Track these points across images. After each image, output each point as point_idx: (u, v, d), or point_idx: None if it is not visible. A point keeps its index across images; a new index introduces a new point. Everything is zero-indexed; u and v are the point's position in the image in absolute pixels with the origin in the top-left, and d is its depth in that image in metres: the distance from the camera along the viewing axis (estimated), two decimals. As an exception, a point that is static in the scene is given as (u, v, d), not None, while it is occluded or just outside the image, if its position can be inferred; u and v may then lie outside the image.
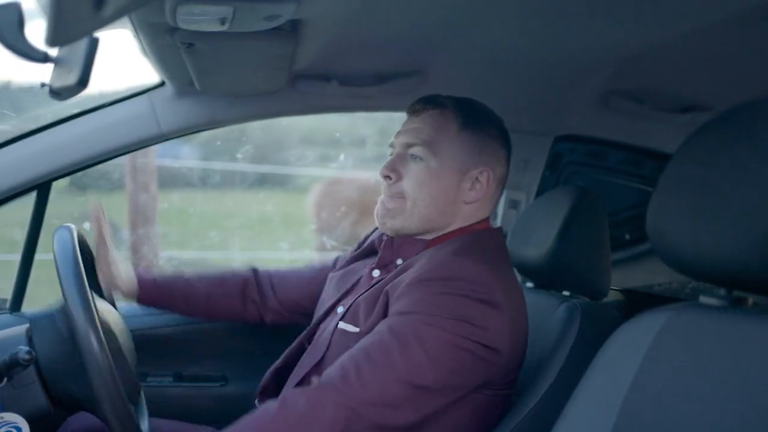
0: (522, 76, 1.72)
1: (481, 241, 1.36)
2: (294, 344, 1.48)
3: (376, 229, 1.56)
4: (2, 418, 1.20)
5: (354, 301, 1.36)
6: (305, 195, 4.78)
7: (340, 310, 1.41)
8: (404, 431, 1.18)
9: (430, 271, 1.25)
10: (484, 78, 1.70)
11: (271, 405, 1.16)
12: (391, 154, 1.41)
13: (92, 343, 1.15)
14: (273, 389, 1.47)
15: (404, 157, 1.37)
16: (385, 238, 1.43)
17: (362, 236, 1.64)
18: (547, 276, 1.55)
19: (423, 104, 1.39)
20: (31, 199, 1.75)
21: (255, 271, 1.70)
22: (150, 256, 4.32)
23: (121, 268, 1.55)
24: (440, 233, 1.38)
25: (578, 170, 2.12)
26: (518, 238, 1.62)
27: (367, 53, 1.56)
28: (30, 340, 1.27)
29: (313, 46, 1.40)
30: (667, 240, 0.96)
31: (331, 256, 1.70)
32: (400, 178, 1.36)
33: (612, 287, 1.61)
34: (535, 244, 1.55)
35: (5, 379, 1.21)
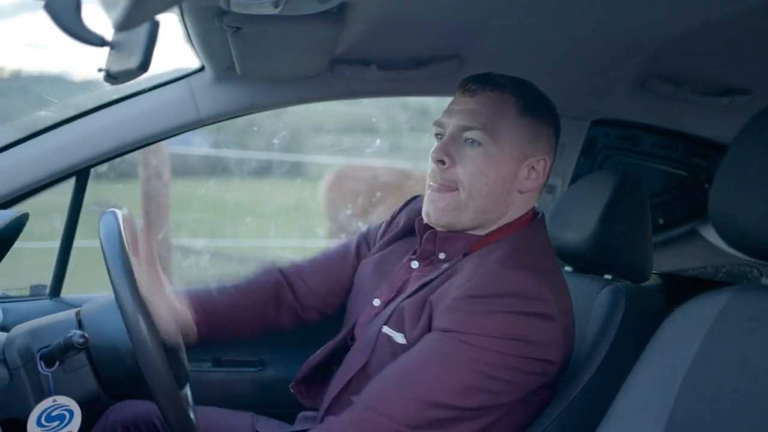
0: (560, 60, 1.71)
1: (529, 240, 1.30)
2: (336, 340, 1.41)
3: (406, 204, 1.52)
4: (55, 400, 1.21)
5: (398, 304, 1.30)
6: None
7: (377, 303, 1.36)
8: None
9: (478, 286, 1.18)
10: (522, 62, 1.69)
11: None
12: (438, 135, 1.32)
13: (142, 329, 1.16)
14: (309, 380, 1.43)
15: (458, 141, 1.28)
16: (426, 228, 1.35)
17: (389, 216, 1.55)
18: (589, 260, 1.54)
19: (480, 84, 1.30)
20: (70, 185, 1.76)
21: (286, 276, 1.53)
22: (164, 244, 4.31)
23: (176, 304, 1.35)
24: (491, 228, 1.31)
25: (612, 154, 2.11)
26: (557, 222, 1.61)
27: (406, 36, 1.55)
28: (80, 325, 1.27)
29: (355, 30, 1.39)
30: (731, 222, 0.95)
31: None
32: (454, 163, 1.27)
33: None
34: (576, 228, 1.54)
35: (57, 363, 1.22)
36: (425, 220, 1.33)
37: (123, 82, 1.03)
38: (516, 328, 1.15)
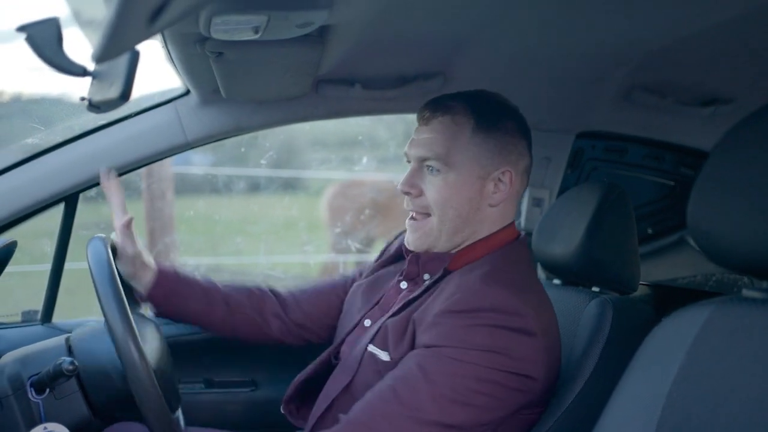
0: (544, 75, 1.72)
1: (510, 258, 1.32)
2: (322, 357, 1.45)
3: (400, 234, 1.56)
4: (46, 428, 1.21)
5: (383, 323, 1.33)
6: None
7: (368, 323, 1.39)
8: None
9: (460, 302, 1.21)
10: (506, 77, 1.71)
11: None
12: (409, 161, 1.37)
13: (133, 353, 1.16)
14: (298, 400, 1.46)
15: (421, 170, 1.33)
16: (411, 251, 1.39)
17: (378, 239, 1.63)
18: (576, 272, 1.55)
19: (431, 111, 1.34)
20: (59, 210, 1.76)
21: (274, 291, 1.64)
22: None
23: (144, 254, 1.49)
24: (469, 242, 1.34)
25: (599, 166, 2.12)
26: (544, 235, 1.62)
27: (390, 55, 1.56)
28: (70, 351, 1.28)
29: (338, 51, 1.40)
30: (709, 234, 0.96)
31: (346, 258, 1.68)
32: (421, 192, 1.33)
33: (641, 282, 1.61)
34: (563, 241, 1.55)
35: (48, 390, 1.23)
36: (408, 247, 1.38)
37: (106, 111, 1.05)
38: (495, 341, 1.17)
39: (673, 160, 2.17)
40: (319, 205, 4.73)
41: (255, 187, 4.90)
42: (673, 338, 0.99)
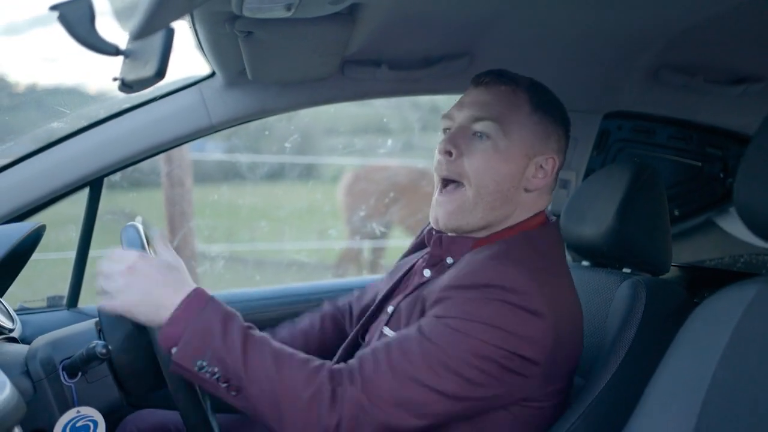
0: (572, 54, 1.70)
1: (529, 242, 1.26)
2: (348, 341, 1.42)
3: (423, 229, 1.51)
4: (79, 411, 1.21)
5: (398, 304, 1.31)
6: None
7: (390, 309, 1.35)
8: None
9: (466, 276, 1.16)
10: (533, 58, 1.68)
11: (301, 367, 1.10)
12: (446, 130, 1.30)
13: None
14: None
15: (467, 133, 1.25)
16: (434, 233, 1.33)
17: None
18: (606, 253, 1.53)
19: (494, 77, 1.28)
20: (84, 195, 1.76)
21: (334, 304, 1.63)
22: (188, 251, 4.34)
23: None
24: (498, 228, 1.28)
25: (625, 147, 2.10)
26: (572, 217, 1.60)
27: (417, 35, 1.55)
28: (100, 335, 1.28)
29: (366, 30, 1.39)
30: (759, 212, 0.94)
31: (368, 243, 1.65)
32: (461, 154, 1.24)
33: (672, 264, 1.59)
34: (592, 222, 1.53)
35: (80, 374, 1.23)
36: (433, 225, 1.31)
37: (138, 90, 1.03)
38: (499, 316, 1.11)
39: (700, 140, 2.14)
40: (338, 190, 4.73)
41: (279, 173, 4.90)
42: (718, 318, 0.97)
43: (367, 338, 1.38)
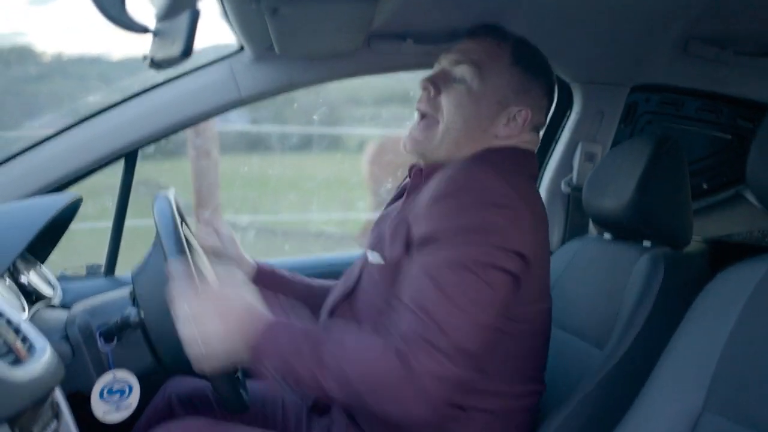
0: (600, 26, 1.69)
1: (498, 154, 1.30)
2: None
3: (406, 177, 1.51)
4: (115, 375, 1.27)
5: (380, 230, 1.34)
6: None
7: (373, 235, 1.38)
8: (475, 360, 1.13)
9: (440, 187, 1.20)
10: (560, 29, 1.68)
11: (379, 355, 1.10)
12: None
13: None
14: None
15: (448, 75, 1.33)
16: (415, 168, 1.39)
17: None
18: (627, 226, 1.54)
19: (484, 30, 1.36)
20: (119, 167, 1.81)
21: None
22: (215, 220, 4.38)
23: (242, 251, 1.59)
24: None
25: (653, 120, 2.09)
26: (595, 189, 1.61)
27: (442, 9, 1.56)
28: (134, 302, 1.32)
29: (392, 4, 1.41)
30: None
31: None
32: (438, 93, 1.33)
33: (694, 237, 1.59)
34: (614, 195, 1.54)
35: (116, 339, 1.28)
36: (402, 150, 1.37)
37: (166, 68, 1.07)
38: (483, 217, 1.15)
39: (730, 113, 2.12)
40: (362, 161, 4.72)
41: (306, 144, 4.92)
42: (730, 292, 0.99)
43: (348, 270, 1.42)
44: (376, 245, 1.32)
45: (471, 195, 1.17)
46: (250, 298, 1.17)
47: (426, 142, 1.33)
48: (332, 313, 1.35)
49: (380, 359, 1.10)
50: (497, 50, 1.32)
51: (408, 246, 1.23)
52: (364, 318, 1.30)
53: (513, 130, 1.32)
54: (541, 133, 1.43)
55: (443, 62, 1.36)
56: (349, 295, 1.34)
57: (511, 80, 1.31)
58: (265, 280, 1.59)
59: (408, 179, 1.49)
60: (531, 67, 1.34)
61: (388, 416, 1.11)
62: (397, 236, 1.26)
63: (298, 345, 1.11)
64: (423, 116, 1.35)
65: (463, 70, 1.31)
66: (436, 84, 1.33)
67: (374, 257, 1.31)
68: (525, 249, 1.17)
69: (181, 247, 1.21)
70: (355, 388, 1.09)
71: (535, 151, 1.38)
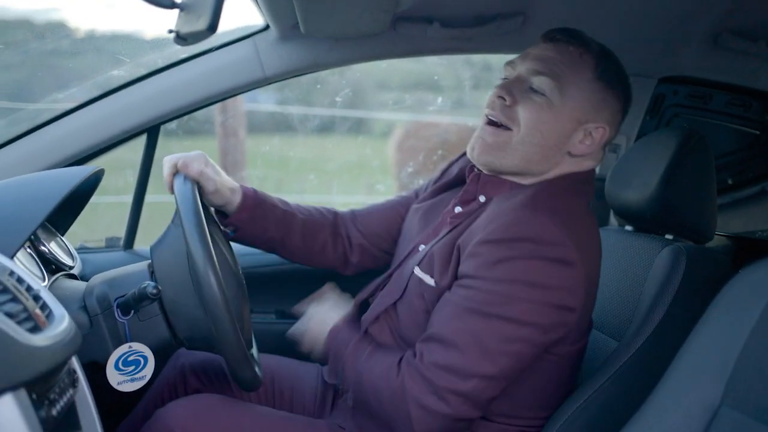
0: (629, 16, 1.67)
1: (561, 186, 1.27)
2: (382, 277, 1.46)
3: (462, 155, 1.50)
4: (131, 347, 1.28)
5: (431, 247, 1.32)
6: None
7: (422, 248, 1.37)
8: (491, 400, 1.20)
9: (496, 230, 1.17)
10: (588, 17, 1.66)
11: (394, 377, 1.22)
12: (505, 79, 1.30)
13: (213, 287, 1.20)
14: (357, 318, 1.45)
15: (524, 84, 1.26)
16: (475, 170, 1.35)
17: (445, 164, 1.56)
18: (650, 219, 1.52)
19: (565, 35, 1.27)
20: (141, 141, 1.82)
21: (336, 213, 1.64)
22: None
23: (224, 176, 1.48)
24: (527, 181, 1.29)
25: (680, 113, 2.06)
26: (618, 181, 1.59)
27: (470, -7, 1.54)
28: (152, 276, 1.33)
29: (418, -13, 1.39)
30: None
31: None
32: (515, 102, 1.25)
33: (717, 233, 1.57)
34: (638, 187, 1.52)
35: (132, 312, 1.29)
36: (468, 154, 1.32)
37: (192, 43, 1.07)
38: (535, 272, 1.14)
39: (759, 108, 2.08)
40: (389, 145, 4.73)
41: (329, 126, 4.91)
42: (753, 290, 0.98)
43: (396, 274, 1.41)
44: (425, 263, 1.30)
45: (526, 246, 1.15)
46: (338, 309, 1.45)
47: (497, 150, 1.27)
48: (375, 320, 1.36)
49: (388, 378, 1.23)
50: (579, 62, 1.26)
51: (455, 276, 1.23)
52: (405, 330, 1.31)
53: (588, 147, 1.28)
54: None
55: (519, 68, 1.29)
56: (395, 304, 1.33)
57: (591, 96, 1.26)
58: (250, 203, 1.50)
59: (457, 166, 1.49)
60: (612, 83, 1.28)
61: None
62: (448, 263, 1.25)
63: (345, 347, 1.34)
64: (494, 124, 1.28)
65: (542, 82, 1.25)
66: (513, 93, 1.26)
67: (424, 276, 1.29)
68: (573, 302, 1.18)
69: (202, 227, 1.22)
70: (364, 389, 1.27)
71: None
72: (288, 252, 1.58)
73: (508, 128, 1.26)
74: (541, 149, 1.26)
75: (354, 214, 1.63)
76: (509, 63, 1.31)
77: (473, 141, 1.30)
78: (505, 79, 1.31)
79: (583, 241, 1.20)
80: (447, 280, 1.24)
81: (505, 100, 1.26)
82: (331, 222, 1.60)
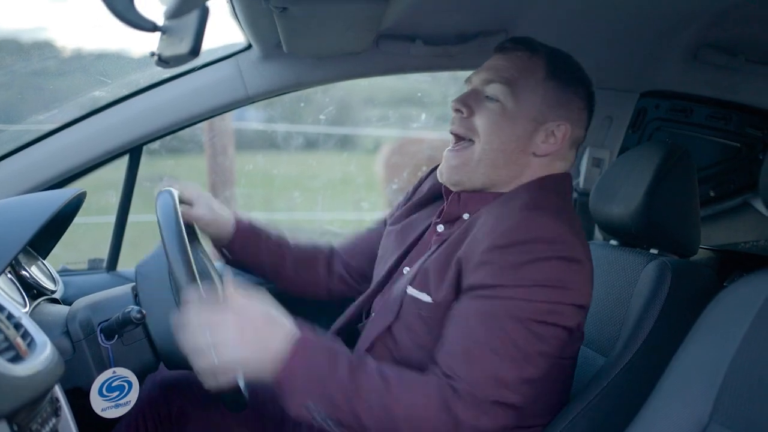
0: (610, 31, 1.68)
1: (547, 186, 1.28)
2: (355, 304, 1.44)
3: (431, 172, 1.52)
4: (115, 372, 1.26)
5: (422, 264, 1.30)
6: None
7: (407, 271, 1.36)
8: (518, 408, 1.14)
9: (504, 235, 1.16)
10: (570, 34, 1.67)
11: (397, 384, 1.11)
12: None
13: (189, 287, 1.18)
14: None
15: (479, 94, 1.30)
16: (452, 195, 1.35)
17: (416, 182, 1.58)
18: (634, 234, 1.53)
19: (513, 43, 1.32)
20: (123, 162, 1.81)
21: (333, 248, 1.68)
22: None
23: (218, 207, 1.56)
24: (505, 189, 1.30)
25: (662, 126, 2.08)
26: (602, 195, 1.60)
27: (452, 11, 1.55)
28: (136, 299, 1.32)
29: (401, 5, 1.40)
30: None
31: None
32: (471, 113, 1.29)
33: (702, 246, 1.58)
34: (622, 201, 1.52)
35: (116, 336, 1.27)
36: (439, 179, 1.35)
37: (174, 66, 1.06)
38: (553, 273, 1.14)
39: (739, 121, 2.10)
40: (376, 162, 4.74)
41: (313, 143, 4.92)
42: (739, 304, 0.98)
43: (376, 300, 1.40)
44: (418, 281, 1.27)
45: (540, 247, 1.15)
46: (271, 309, 1.12)
47: (463, 167, 1.30)
48: (371, 347, 1.30)
49: (429, 407, 1.09)
50: (529, 65, 1.29)
51: (458, 289, 1.21)
52: (406, 352, 1.27)
53: (552, 146, 1.29)
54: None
55: (474, 81, 1.33)
56: (390, 327, 1.30)
57: (546, 95, 1.28)
58: (245, 231, 1.59)
59: (427, 184, 1.51)
60: (567, 80, 1.30)
61: None
62: (445, 277, 1.23)
63: (334, 365, 1.09)
64: (458, 138, 1.32)
65: (495, 89, 1.28)
66: (468, 105, 1.30)
67: (420, 294, 1.26)
68: (585, 300, 1.19)
69: (184, 247, 1.21)
70: (397, 426, 1.08)
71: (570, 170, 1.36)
72: (280, 282, 1.66)
73: (470, 140, 1.30)
74: (504, 153, 1.28)
75: (341, 247, 1.68)
76: (467, 80, 1.35)
77: (441, 167, 1.34)
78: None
79: (583, 240, 1.22)
80: (443, 294, 1.22)
81: (462, 112, 1.30)
82: (326, 256, 1.66)
